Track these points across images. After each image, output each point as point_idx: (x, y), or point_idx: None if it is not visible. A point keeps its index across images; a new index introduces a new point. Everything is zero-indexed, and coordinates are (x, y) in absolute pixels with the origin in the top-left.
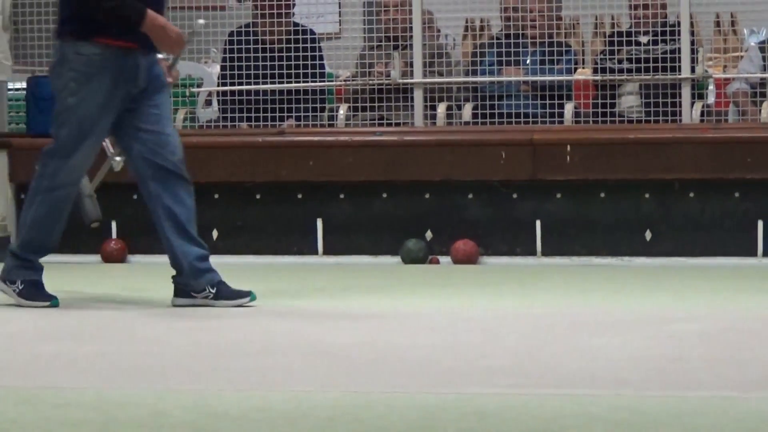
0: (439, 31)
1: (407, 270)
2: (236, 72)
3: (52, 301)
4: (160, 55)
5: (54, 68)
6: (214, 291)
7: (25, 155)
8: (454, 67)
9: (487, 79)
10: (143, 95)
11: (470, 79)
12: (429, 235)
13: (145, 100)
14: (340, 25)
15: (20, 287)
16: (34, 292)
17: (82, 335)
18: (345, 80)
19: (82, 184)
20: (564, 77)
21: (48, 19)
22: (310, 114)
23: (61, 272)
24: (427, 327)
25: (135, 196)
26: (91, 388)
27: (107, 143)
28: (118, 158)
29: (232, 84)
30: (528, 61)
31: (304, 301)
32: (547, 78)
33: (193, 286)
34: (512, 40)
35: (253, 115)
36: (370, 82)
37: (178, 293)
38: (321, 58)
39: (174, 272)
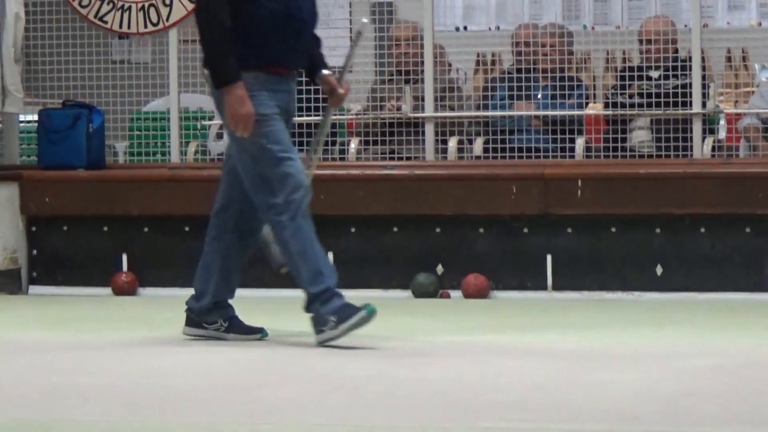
0: (450, 65)
1: (418, 304)
2: None
3: (367, 309)
4: (325, 71)
5: (218, 100)
6: (226, 324)
7: (35, 187)
8: (465, 102)
9: (498, 113)
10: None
11: (481, 113)
12: (440, 269)
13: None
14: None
15: (334, 321)
16: (347, 312)
17: (95, 367)
18: (356, 114)
19: (266, 232)
20: (575, 112)
21: (60, 51)
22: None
23: (72, 305)
24: (438, 360)
25: (146, 229)
26: (103, 421)
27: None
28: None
29: None
30: (539, 96)
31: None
32: (559, 113)
33: (206, 317)
34: (524, 75)
35: None
36: (382, 116)
37: (189, 323)
38: None
39: (187, 302)
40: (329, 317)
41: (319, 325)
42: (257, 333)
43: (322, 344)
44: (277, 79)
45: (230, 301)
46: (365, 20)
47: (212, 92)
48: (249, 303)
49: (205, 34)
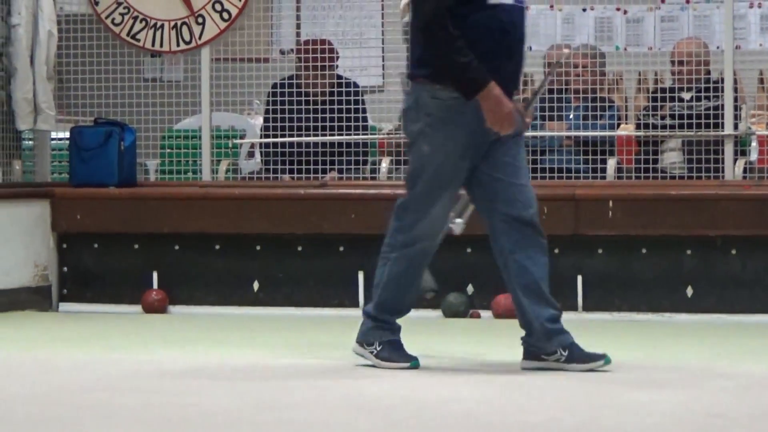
0: None
1: (448, 323)
2: (279, 124)
3: (412, 362)
4: (515, 97)
5: (407, 112)
6: (566, 354)
7: (67, 205)
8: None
9: (529, 133)
10: (499, 143)
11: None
12: (470, 288)
13: (501, 148)
14: (383, 78)
15: (378, 348)
16: (393, 353)
17: (123, 386)
18: (388, 133)
19: None
20: (607, 133)
21: (92, 69)
22: (352, 167)
23: (102, 323)
24: (467, 381)
25: (176, 247)
26: None
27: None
28: (458, 220)
29: (275, 136)
30: (571, 116)
31: (344, 353)
32: (590, 133)
33: (545, 348)
34: (555, 95)
35: (295, 167)
36: None
37: (527, 355)
38: (364, 111)
39: (523, 332)
40: (376, 342)
41: (364, 338)
42: (599, 359)
43: (355, 352)
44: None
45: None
46: (567, 50)
47: (405, 127)
48: (274, 321)
49: (441, 50)
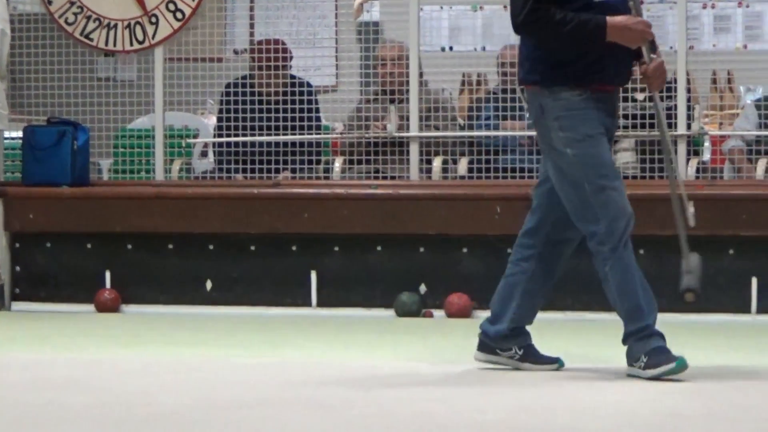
0: (425, 84)
1: (401, 323)
2: (232, 123)
3: (678, 362)
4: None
5: (537, 124)
6: (521, 352)
7: (20, 204)
8: (450, 122)
9: (483, 133)
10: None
11: (466, 133)
12: (423, 288)
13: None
14: (336, 78)
15: (645, 360)
16: (660, 357)
17: (75, 385)
18: (341, 133)
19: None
20: None
21: (46, 68)
22: (305, 166)
23: (55, 322)
24: (421, 380)
25: (129, 246)
26: None
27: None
28: (692, 210)
29: (228, 135)
30: (527, 116)
31: (297, 353)
32: None
33: (501, 344)
34: (509, 95)
35: (248, 166)
36: (366, 135)
37: (482, 348)
38: (317, 110)
39: (481, 325)
40: (641, 355)
41: (631, 359)
42: (553, 363)
43: (629, 375)
44: (603, 97)
45: (527, 328)
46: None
47: (540, 140)
48: (227, 321)
49: (550, 31)
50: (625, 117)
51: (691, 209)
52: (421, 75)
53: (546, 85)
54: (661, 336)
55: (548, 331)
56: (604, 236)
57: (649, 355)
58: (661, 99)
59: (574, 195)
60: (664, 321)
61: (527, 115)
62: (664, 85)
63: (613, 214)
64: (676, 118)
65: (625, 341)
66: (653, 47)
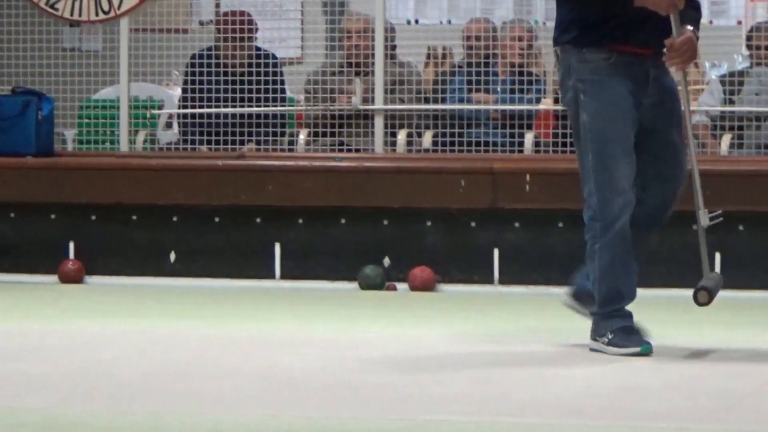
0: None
1: (364, 296)
2: (197, 95)
3: (643, 347)
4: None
5: (562, 82)
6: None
7: None
8: (415, 95)
9: (448, 106)
10: (664, 120)
11: (432, 106)
12: (387, 261)
13: (664, 127)
14: (302, 50)
15: (609, 337)
16: (624, 339)
17: (38, 355)
18: (306, 105)
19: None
20: (532, 107)
21: (10, 38)
22: (270, 138)
23: (17, 292)
24: (383, 353)
25: (93, 217)
26: (45, 408)
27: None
28: (703, 210)
29: (193, 107)
30: (499, 90)
31: (260, 325)
32: (517, 107)
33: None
34: (482, 68)
35: (213, 138)
36: (331, 107)
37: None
38: (283, 82)
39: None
40: (607, 332)
41: (596, 333)
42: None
43: (592, 350)
44: (632, 62)
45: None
46: None
47: (562, 98)
48: (191, 293)
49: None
50: None
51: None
52: (394, 48)
53: (575, 45)
54: (631, 315)
55: (510, 304)
56: (598, 213)
57: (615, 333)
58: None
59: (581, 159)
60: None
61: (498, 88)
62: (689, 63)
63: (609, 196)
64: None
65: (593, 315)
66: (691, 21)
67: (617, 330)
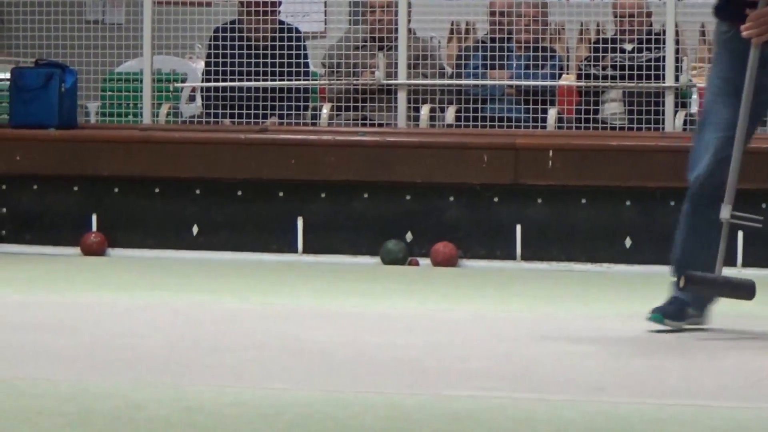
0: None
1: (386, 270)
2: (220, 68)
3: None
4: None
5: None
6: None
7: (6, 146)
8: (438, 70)
9: (471, 81)
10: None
11: (454, 81)
12: (409, 236)
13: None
14: (325, 24)
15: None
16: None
17: (61, 327)
18: (329, 80)
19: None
20: (549, 82)
21: (34, 10)
22: (293, 112)
23: (40, 265)
24: (405, 328)
25: (116, 190)
26: (68, 380)
27: None
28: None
29: (216, 80)
30: (514, 66)
31: (282, 299)
32: (532, 83)
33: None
34: (497, 44)
35: (236, 111)
36: (355, 82)
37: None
38: (306, 56)
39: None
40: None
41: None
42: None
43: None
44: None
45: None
46: None
47: None
48: (213, 266)
49: None
50: (613, 68)
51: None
52: (408, 22)
53: (716, 16)
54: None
55: (532, 280)
56: (690, 178)
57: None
58: (650, 50)
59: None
60: (650, 273)
61: (514, 65)
62: (764, 39)
63: (692, 164)
64: (664, 69)
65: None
66: None
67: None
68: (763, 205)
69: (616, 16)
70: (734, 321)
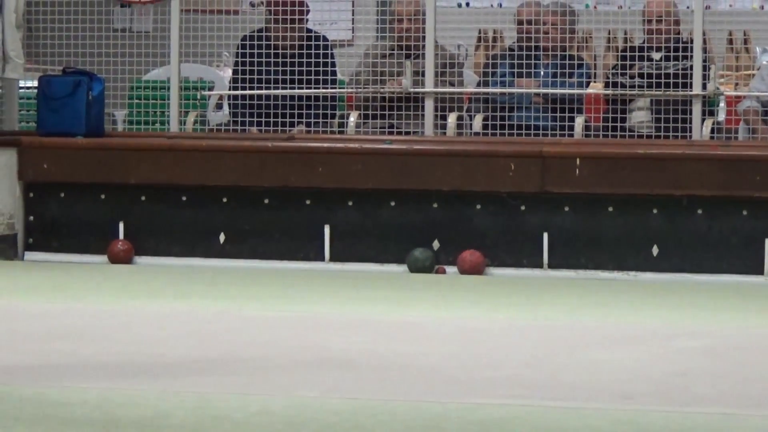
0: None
1: (413, 279)
2: (248, 76)
3: None
4: None
5: None
6: None
7: (34, 154)
8: (465, 78)
9: (498, 90)
10: None
11: (481, 89)
12: (436, 244)
13: None
14: (353, 32)
15: None
16: None
17: (88, 335)
18: (356, 87)
19: None
20: (576, 91)
21: (62, 18)
22: (320, 120)
23: (67, 272)
24: (432, 336)
25: (143, 198)
26: (95, 388)
27: None
28: None
29: (243, 88)
30: (542, 74)
31: (309, 307)
32: (559, 91)
33: None
34: (525, 52)
35: (263, 119)
36: (382, 90)
37: None
38: (333, 65)
39: None
40: None
41: None
42: None
43: None
44: None
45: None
46: None
47: None
48: (240, 274)
49: None
50: (641, 76)
51: None
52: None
53: None
54: None
55: (559, 288)
56: None
57: None
58: (677, 59)
59: None
60: (677, 281)
61: (541, 73)
62: None
63: None
64: (691, 78)
65: None
66: None
67: None
68: (744, 212)
69: (644, 24)
70: (764, 331)
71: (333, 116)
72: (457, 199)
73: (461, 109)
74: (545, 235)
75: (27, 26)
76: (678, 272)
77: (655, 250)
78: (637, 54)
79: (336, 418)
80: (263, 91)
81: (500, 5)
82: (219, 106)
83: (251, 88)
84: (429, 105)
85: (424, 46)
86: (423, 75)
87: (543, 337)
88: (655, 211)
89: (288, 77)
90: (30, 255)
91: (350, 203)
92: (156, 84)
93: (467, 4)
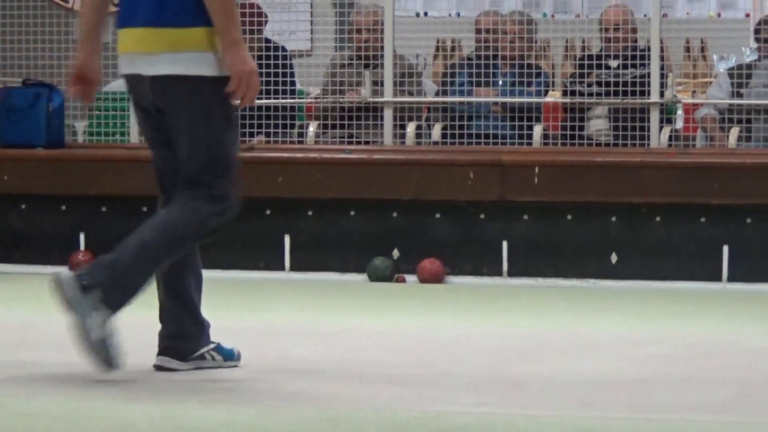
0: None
1: (373, 288)
2: None
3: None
4: None
5: None
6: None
7: None
8: (424, 87)
9: (457, 99)
10: None
11: (440, 99)
12: (396, 253)
13: None
14: (311, 42)
15: None
16: None
17: (52, 345)
18: (315, 98)
19: None
20: (534, 99)
21: (21, 30)
22: (280, 130)
23: (29, 283)
24: (392, 345)
25: (104, 209)
26: (59, 399)
27: None
28: None
29: None
30: (500, 83)
31: (270, 316)
32: (518, 100)
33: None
34: (483, 61)
35: None
36: (341, 100)
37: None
38: (292, 75)
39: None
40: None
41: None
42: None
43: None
44: None
45: None
46: None
47: None
48: None
49: None
50: (598, 84)
51: None
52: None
53: None
54: None
55: (519, 297)
56: None
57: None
58: (635, 67)
59: None
60: (636, 288)
61: (500, 82)
62: None
63: None
64: (649, 85)
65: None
66: None
67: None
68: (702, 219)
69: (601, 33)
70: (723, 337)
71: (292, 126)
72: (416, 207)
73: (420, 118)
74: (504, 244)
75: None
76: (637, 279)
77: (614, 258)
78: (594, 62)
79: (298, 427)
80: None
81: (458, 14)
82: None
83: None
84: (388, 114)
85: (383, 56)
86: (382, 85)
87: (503, 344)
88: (614, 218)
89: None
90: None
91: (310, 213)
92: (116, 95)
93: (425, 14)
